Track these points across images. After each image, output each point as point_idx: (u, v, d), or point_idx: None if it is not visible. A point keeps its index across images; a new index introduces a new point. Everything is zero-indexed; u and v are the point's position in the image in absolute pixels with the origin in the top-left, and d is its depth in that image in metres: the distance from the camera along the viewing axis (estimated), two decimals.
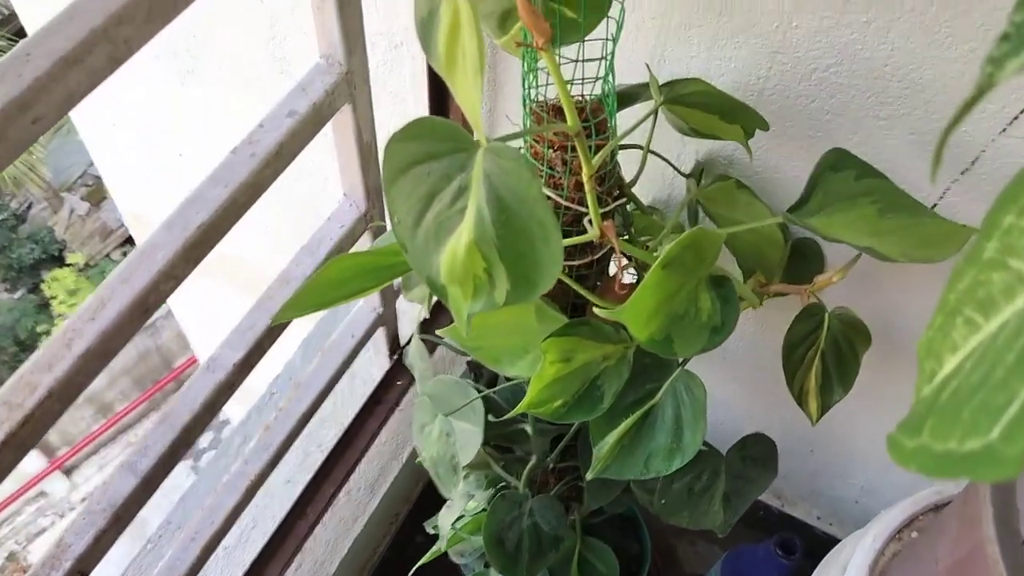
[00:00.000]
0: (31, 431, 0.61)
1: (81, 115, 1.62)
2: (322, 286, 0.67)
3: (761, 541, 1.21)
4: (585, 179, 0.66)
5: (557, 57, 0.69)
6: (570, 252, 0.79)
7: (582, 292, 0.75)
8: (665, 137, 0.87)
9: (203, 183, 0.72)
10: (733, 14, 0.77)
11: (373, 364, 1.28)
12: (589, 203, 0.67)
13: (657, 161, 0.86)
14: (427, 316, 0.88)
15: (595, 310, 0.67)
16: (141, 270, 0.68)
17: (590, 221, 0.71)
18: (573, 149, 0.68)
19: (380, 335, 1.19)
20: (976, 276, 0.24)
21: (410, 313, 1.28)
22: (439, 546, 1.02)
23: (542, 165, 0.74)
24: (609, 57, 0.69)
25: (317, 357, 1.09)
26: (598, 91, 0.71)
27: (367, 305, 1.12)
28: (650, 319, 0.70)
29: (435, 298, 0.83)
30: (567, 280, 0.75)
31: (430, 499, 1.30)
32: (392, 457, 1.24)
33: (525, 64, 0.67)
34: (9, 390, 0.61)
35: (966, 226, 0.76)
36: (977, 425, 0.21)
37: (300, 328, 1.34)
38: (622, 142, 0.76)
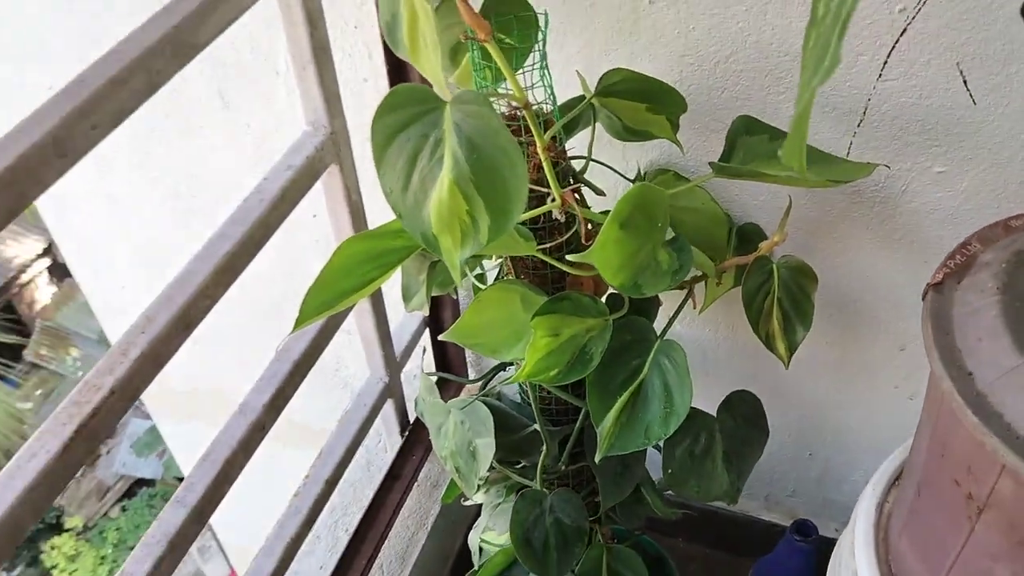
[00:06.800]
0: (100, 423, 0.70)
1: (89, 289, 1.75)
2: (333, 275, 0.78)
3: None
4: (540, 151, 0.79)
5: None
6: (540, 236, 0.90)
7: (553, 263, 0.87)
8: (607, 148, 1.02)
9: (223, 224, 0.85)
10: (641, 33, 0.94)
11: (386, 448, 1.35)
12: (547, 172, 0.80)
13: (602, 171, 1.00)
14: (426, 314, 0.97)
15: (569, 257, 0.78)
16: (182, 289, 0.79)
17: (552, 199, 0.84)
18: (527, 131, 0.82)
19: (389, 411, 1.27)
20: None
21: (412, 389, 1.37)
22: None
23: None
24: (542, 61, 0.84)
25: (334, 428, 1.17)
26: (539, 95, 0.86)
27: (374, 376, 1.21)
28: (618, 271, 0.81)
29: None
30: (543, 256, 0.87)
31: (464, 564, 1.35)
32: (419, 527, 1.29)
33: (474, 62, 0.82)
34: (77, 392, 0.71)
35: (870, 163, 0.90)
36: None
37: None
38: (568, 148, 0.91)
